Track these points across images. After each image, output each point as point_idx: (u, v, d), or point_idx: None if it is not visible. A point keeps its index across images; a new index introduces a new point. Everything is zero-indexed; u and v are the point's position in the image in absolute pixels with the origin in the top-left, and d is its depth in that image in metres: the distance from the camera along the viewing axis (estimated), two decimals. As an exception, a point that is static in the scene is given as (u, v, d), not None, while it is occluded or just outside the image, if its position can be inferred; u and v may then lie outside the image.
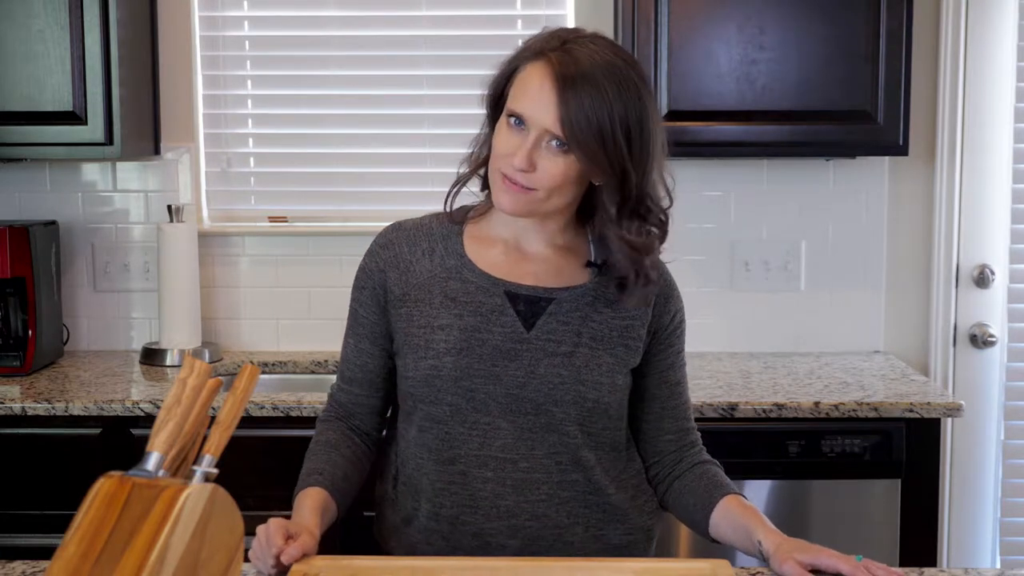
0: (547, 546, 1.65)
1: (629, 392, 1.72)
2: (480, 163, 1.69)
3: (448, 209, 1.71)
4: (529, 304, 1.66)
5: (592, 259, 1.69)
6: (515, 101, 1.58)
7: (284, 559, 1.47)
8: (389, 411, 1.79)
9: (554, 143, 1.55)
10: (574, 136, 1.53)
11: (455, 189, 1.71)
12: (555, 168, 1.56)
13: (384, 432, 1.80)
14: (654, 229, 1.64)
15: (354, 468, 1.72)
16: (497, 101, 1.64)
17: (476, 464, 1.64)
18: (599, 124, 1.52)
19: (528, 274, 1.68)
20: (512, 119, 1.58)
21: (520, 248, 1.69)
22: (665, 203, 1.64)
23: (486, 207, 1.72)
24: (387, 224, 1.77)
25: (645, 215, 1.62)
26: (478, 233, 1.71)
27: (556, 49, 1.57)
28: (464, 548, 1.65)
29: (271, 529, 1.50)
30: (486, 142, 1.67)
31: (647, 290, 1.66)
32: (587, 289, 1.68)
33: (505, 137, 1.58)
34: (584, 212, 1.69)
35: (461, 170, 1.71)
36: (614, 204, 1.60)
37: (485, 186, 1.71)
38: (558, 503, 1.65)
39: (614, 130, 1.53)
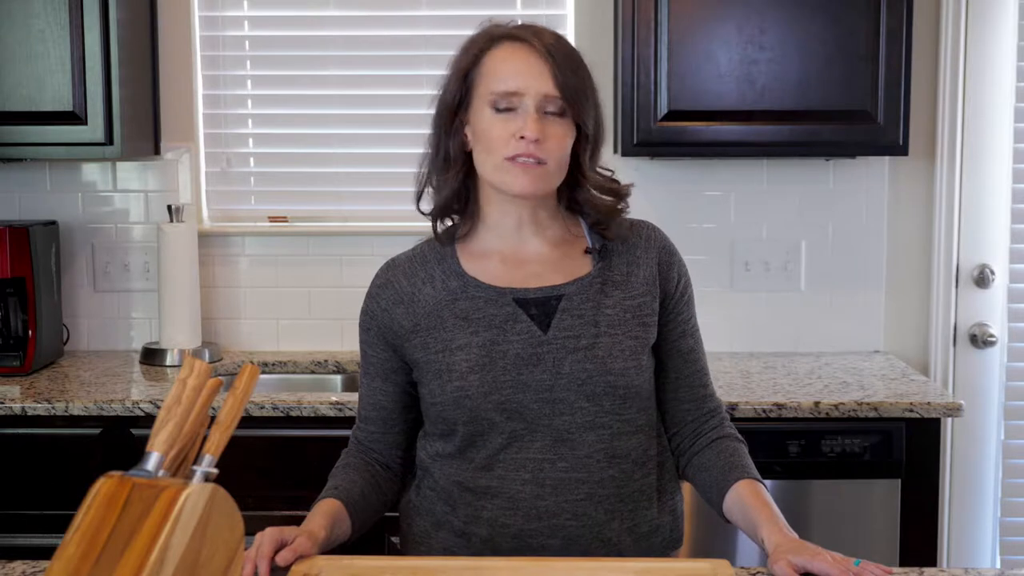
0: (587, 544, 1.65)
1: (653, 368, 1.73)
2: (449, 184, 1.68)
3: (436, 232, 1.73)
4: (540, 306, 1.66)
5: (590, 245, 1.70)
6: (500, 83, 1.61)
7: (279, 560, 1.48)
8: (411, 446, 1.79)
9: (551, 109, 1.61)
10: (571, 95, 1.61)
11: (435, 224, 1.72)
12: (559, 135, 1.62)
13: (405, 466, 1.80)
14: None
15: (372, 489, 1.72)
16: (455, 108, 1.67)
17: (514, 467, 1.65)
18: (584, 84, 1.63)
19: (532, 276, 1.68)
20: (496, 106, 1.61)
21: (517, 254, 1.70)
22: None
23: (470, 224, 1.72)
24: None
25: (603, 170, 1.72)
26: (471, 249, 1.72)
27: (518, 29, 1.65)
28: (504, 550, 1.65)
29: (264, 540, 1.50)
30: (442, 162, 1.68)
31: (625, 225, 1.73)
32: (593, 277, 1.69)
33: (499, 125, 1.61)
34: (565, 201, 1.73)
35: (417, 204, 1.72)
36: (588, 156, 1.67)
37: (444, 214, 1.71)
38: (597, 500, 1.65)
39: (591, 90, 1.65)
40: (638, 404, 1.68)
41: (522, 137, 1.59)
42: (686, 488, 1.83)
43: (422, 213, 1.72)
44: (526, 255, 1.70)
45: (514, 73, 1.61)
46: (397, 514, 1.82)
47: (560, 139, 1.62)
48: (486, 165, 1.64)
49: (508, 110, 1.61)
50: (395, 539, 2.22)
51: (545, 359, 1.64)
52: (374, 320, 1.72)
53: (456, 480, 1.68)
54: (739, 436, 1.77)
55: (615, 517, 1.67)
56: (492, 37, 1.65)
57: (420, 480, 1.75)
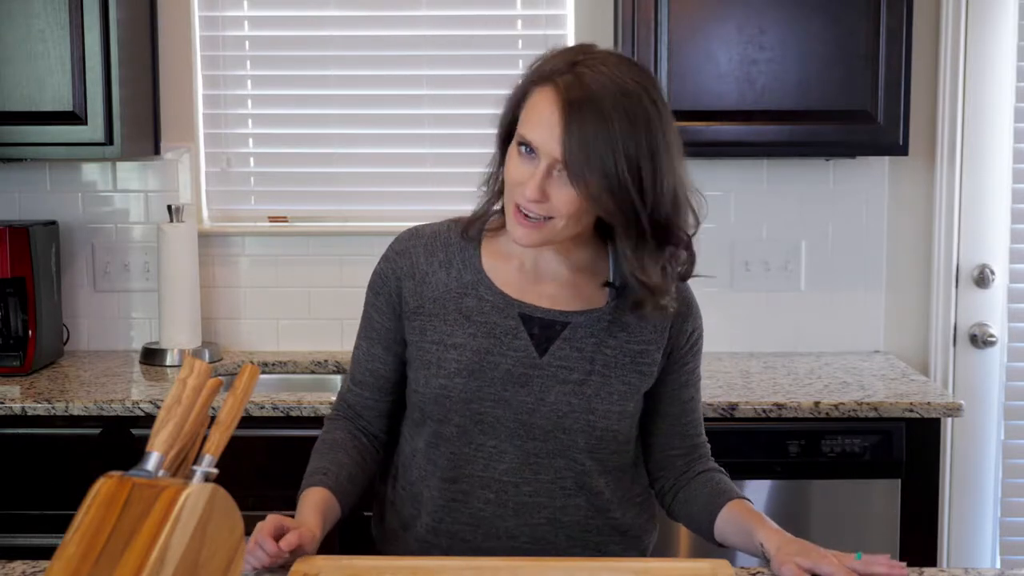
0: None
1: (640, 412, 1.71)
2: (499, 190, 1.64)
3: (467, 232, 1.68)
4: (543, 328, 1.64)
5: (611, 279, 1.66)
6: (524, 127, 1.53)
7: (284, 545, 1.47)
8: (400, 415, 1.78)
9: (565, 173, 1.50)
10: (579, 172, 1.48)
11: (476, 221, 1.67)
12: (567, 197, 1.51)
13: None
14: (679, 254, 1.59)
15: (359, 469, 1.71)
16: (510, 124, 1.59)
17: (479, 485, 1.64)
18: (602, 162, 1.47)
19: (544, 296, 1.65)
20: (522, 147, 1.53)
21: (537, 268, 1.66)
22: (689, 227, 1.58)
23: (501, 220, 1.67)
24: (404, 227, 1.73)
25: (664, 241, 1.56)
26: (495, 248, 1.68)
27: (565, 72, 1.51)
28: None
29: (265, 522, 1.49)
30: (490, 167, 1.65)
31: (661, 313, 1.62)
32: (603, 313, 1.65)
33: (516, 166, 1.54)
34: (603, 229, 1.64)
35: (480, 191, 1.67)
36: (629, 241, 1.54)
37: (478, 215, 1.69)
38: (558, 527, 1.65)
39: (619, 169, 1.47)
40: (613, 447, 1.67)
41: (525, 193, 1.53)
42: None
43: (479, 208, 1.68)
44: (544, 272, 1.66)
45: (536, 125, 1.51)
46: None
47: (568, 203, 1.51)
48: (505, 199, 1.59)
49: (530, 155, 1.52)
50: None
51: (533, 382, 1.62)
52: (386, 284, 1.69)
53: (427, 485, 1.67)
54: (721, 469, 1.76)
55: (576, 545, 1.66)
56: (543, 73, 1.53)
57: (397, 474, 1.74)
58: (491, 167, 1.65)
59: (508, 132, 1.59)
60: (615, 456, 1.67)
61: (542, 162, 1.51)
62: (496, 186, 1.64)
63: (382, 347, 1.72)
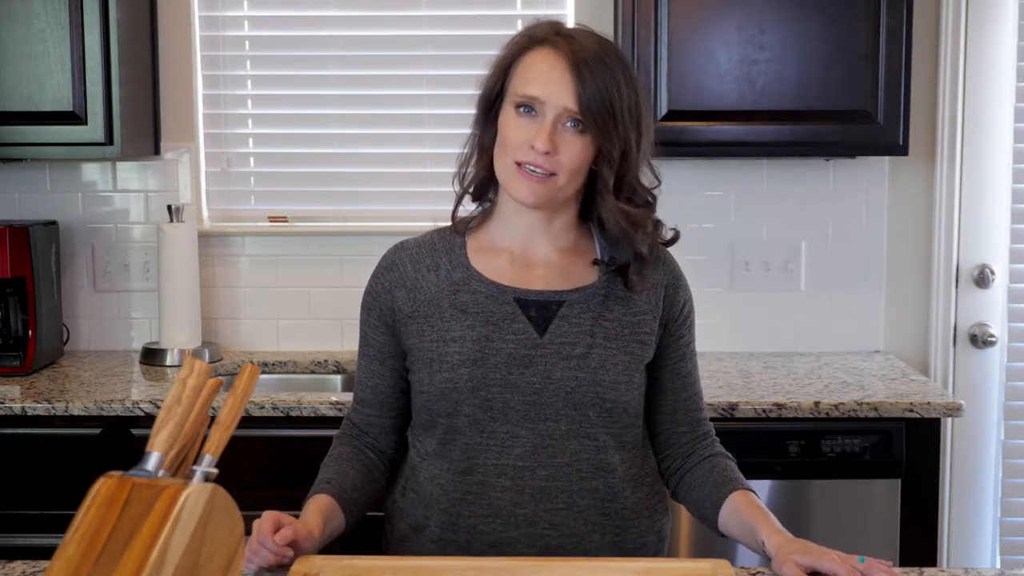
0: (565, 555, 1.64)
1: (645, 387, 1.72)
2: (480, 172, 1.69)
3: (455, 216, 1.73)
4: (540, 309, 1.66)
5: (599, 256, 1.70)
6: (526, 86, 1.60)
7: (278, 538, 1.47)
8: (406, 430, 1.79)
9: (570, 124, 1.59)
10: (591, 114, 1.58)
11: (457, 205, 1.72)
12: (574, 149, 1.59)
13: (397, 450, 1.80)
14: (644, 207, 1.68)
15: (364, 480, 1.72)
16: (492, 100, 1.66)
17: (494, 473, 1.64)
18: (611, 103, 1.59)
19: (536, 279, 1.68)
20: (521, 107, 1.60)
21: (526, 255, 1.70)
22: (652, 184, 1.69)
23: (484, 217, 1.73)
24: (404, 227, 1.79)
25: (634, 195, 1.67)
26: (481, 244, 1.72)
27: (555, 37, 1.62)
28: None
29: (264, 520, 1.50)
30: (477, 150, 1.68)
31: (644, 270, 1.68)
32: (597, 288, 1.68)
33: (516, 126, 1.60)
34: (585, 212, 1.70)
35: (455, 183, 1.72)
36: (611, 179, 1.63)
37: (476, 198, 1.73)
38: (576, 511, 1.65)
39: (622, 108, 1.60)
40: (625, 420, 1.68)
41: (533, 147, 1.58)
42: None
43: (457, 194, 1.72)
44: (534, 258, 1.70)
45: (540, 80, 1.60)
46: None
47: (575, 155, 1.59)
48: (499, 164, 1.64)
49: (529, 114, 1.60)
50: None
51: (537, 362, 1.63)
52: (376, 300, 1.73)
53: (439, 483, 1.67)
54: (728, 454, 1.78)
55: (596, 530, 1.67)
56: (534, 38, 1.64)
57: (406, 481, 1.75)
58: (474, 128, 1.70)
59: (494, 100, 1.66)
60: (628, 431, 1.69)
61: (549, 115, 1.59)
62: (478, 147, 1.69)
63: (379, 362, 1.74)
